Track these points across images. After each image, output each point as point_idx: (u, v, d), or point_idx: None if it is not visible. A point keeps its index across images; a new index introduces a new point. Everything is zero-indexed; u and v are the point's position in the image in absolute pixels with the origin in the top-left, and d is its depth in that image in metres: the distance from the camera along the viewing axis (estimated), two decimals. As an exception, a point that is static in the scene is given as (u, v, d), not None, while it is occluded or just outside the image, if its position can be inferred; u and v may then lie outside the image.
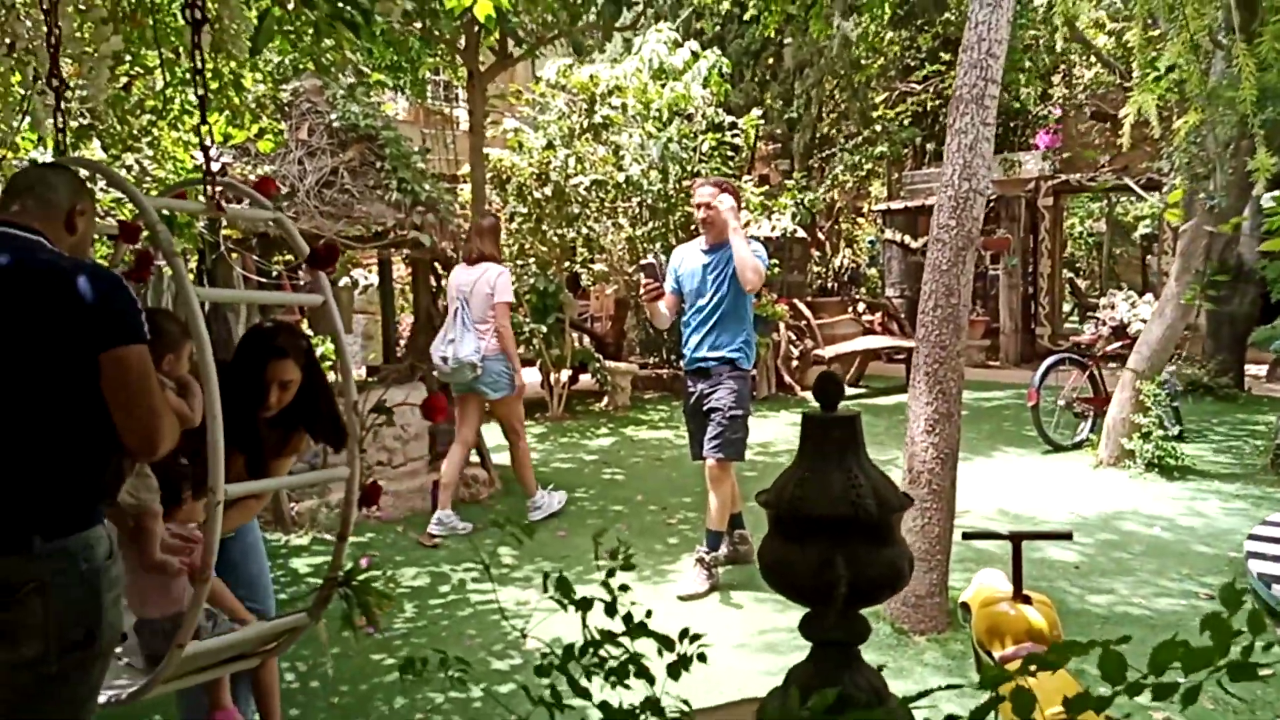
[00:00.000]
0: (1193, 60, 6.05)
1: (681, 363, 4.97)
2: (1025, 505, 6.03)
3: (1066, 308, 16.30)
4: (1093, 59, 12.12)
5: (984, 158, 4.01)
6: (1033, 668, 1.14)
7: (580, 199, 9.80)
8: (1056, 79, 13.16)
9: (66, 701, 1.98)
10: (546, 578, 1.52)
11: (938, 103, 13.35)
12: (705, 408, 4.67)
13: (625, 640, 1.46)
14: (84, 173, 2.43)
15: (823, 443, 1.47)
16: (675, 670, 1.43)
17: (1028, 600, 2.57)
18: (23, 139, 4.39)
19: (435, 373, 6.02)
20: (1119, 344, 8.24)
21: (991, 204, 12.04)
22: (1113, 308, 8.59)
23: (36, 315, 1.92)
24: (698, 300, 4.72)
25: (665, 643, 1.44)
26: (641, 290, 4.82)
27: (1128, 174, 12.07)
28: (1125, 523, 5.67)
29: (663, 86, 9.61)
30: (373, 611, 2.56)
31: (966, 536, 2.85)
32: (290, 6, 3.73)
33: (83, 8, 3.63)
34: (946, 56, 12.59)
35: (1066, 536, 2.81)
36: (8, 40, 3.53)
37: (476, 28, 6.93)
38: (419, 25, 6.30)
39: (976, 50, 3.99)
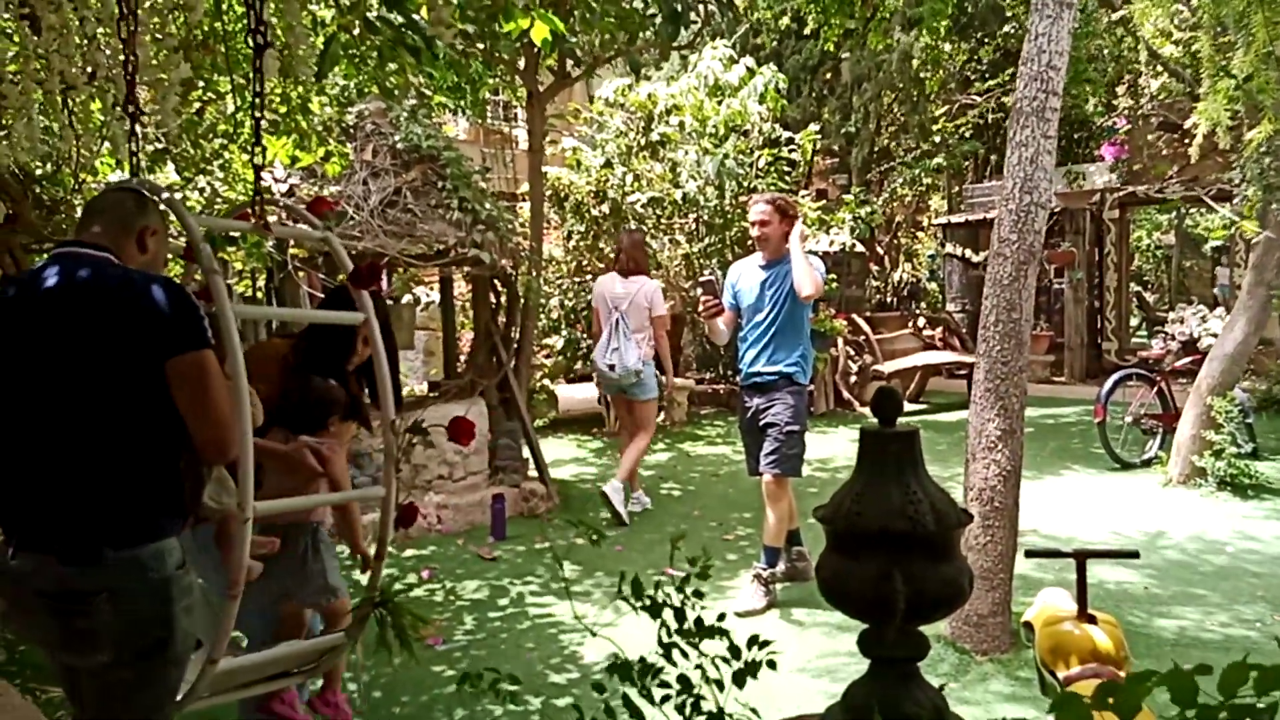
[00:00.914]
0: (1264, 69, 5.91)
1: (738, 378, 4.99)
2: (1091, 524, 5.90)
3: (1134, 322, 15.91)
4: (1159, 68, 11.88)
5: (1045, 170, 3.95)
6: (1110, 699, 1.10)
7: (637, 216, 9.86)
8: (1121, 89, 12.90)
9: (142, 705, 2.05)
10: (623, 577, 1.53)
11: (999, 114, 13.17)
12: (761, 423, 4.66)
13: (691, 651, 1.47)
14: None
15: (881, 458, 1.47)
16: (741, 677, 1.44)
17: (1093, 620, 2.52)
18: (102, 163, 4.57)
19: (597, 377, 7.01)
20: (1189, 359, 8.03)
21: (1055, 217, 11.82)
22: (1182, 322, 8.39)
23: (105, 327, 1.98)
24: (755, 315, 4.72)
25: (732, 650, 1.45)
26: (700, 307, 4.85)
27: (1197, 185, 11.78)
28: (1196, 543, 5.52)
29: (719, 103, 9.63)
30: (407, 634, 2.56)
31: (1030, 555, 2.81)
32: (355, 32, 3.83)
33: (158, 36, 3.77)
34: (1010, 70, 12.43)
35: (1133, 555, 2.75)
36: (89, 69, 3.69)
37: (535, 49, 7.03)
38: (479, 47, 6.42)
39: (1037, 62, 3.94)
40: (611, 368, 6.33)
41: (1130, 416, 7.76)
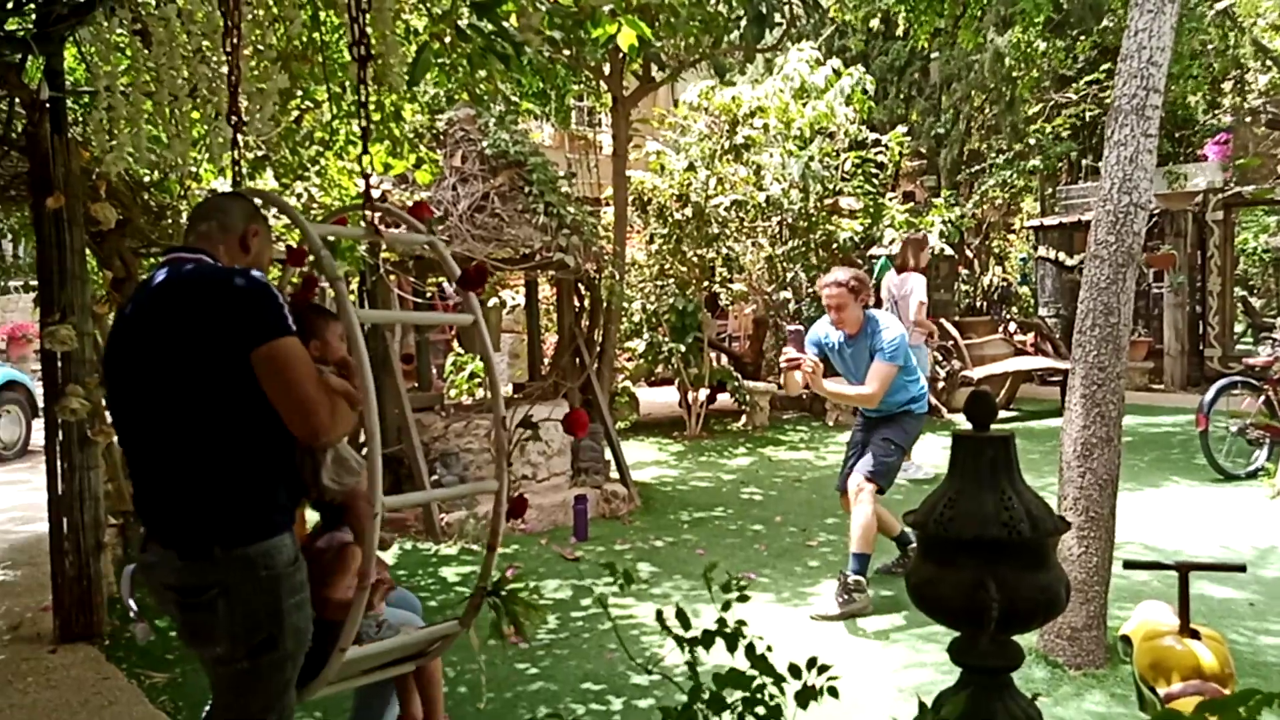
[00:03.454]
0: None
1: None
2: (1192, 537, 5.67)
3: (1239, 328, 15.22)
4: (1269, 63, 11.38)
5: (1145, 170, 3.82)
6: (1210, 716, 1.06)
7: (720, 219, 9.83)
8: (1227, 86, 12.39)
9: (262, 695, 2.12)
10: (659, 615, 1.53)
11: (1096, 113, 12.76)
12: (864, 439, 4.84)
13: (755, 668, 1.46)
14: (259, 200, 2.61)
15: (975, 463, 1.44)
16: (804, 699, 1.43)
17: (1196, 635, 2.43)
18: (206, 170, 4.76)
19: None
20: (1300, 367, 7.66)
21: (1155, 219, 11.40)
22: (1292, 328, 8.02)
23: (196, 325, 2.03)
24: (850, 379, 4.84)
25: (793, 672, 1.44)
26: (782, 359, 4.77)
27: (1309, 185, 11.26)
28: (1307, 559, 5.26)
29: (804, 105, 9.55)
30: (520, 621, 2.63)
31: (1129, 566, 2.72)
32: (447, 40, 3.91)
33: (260, 48, 3.91)
34: (1106, 66, 12.06)
35: (1239, 569, 2.64)
36: (193, 81, 3.84)
37: (621, 54, 7.08)
38: (566, 53, 6.49)
39: (1137, 59, 3.82)
40: None
41: (1235, 426, 7.43)
